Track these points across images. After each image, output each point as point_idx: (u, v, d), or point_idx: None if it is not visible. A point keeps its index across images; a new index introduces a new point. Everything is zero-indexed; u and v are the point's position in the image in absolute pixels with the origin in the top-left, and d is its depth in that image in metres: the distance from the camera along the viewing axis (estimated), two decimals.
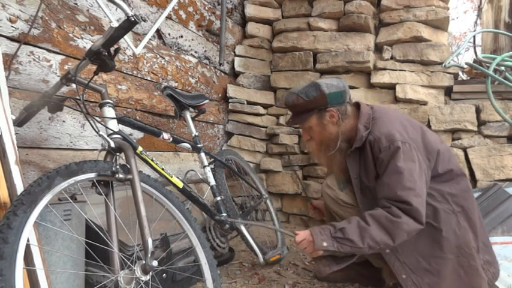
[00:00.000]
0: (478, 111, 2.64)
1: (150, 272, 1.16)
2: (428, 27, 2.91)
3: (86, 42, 1.87)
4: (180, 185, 1.62)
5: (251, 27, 3.26)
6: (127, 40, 2.09)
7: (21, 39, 1.57)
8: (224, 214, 1.91)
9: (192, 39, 2.73)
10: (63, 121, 1.80)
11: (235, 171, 2.33)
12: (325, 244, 1.44)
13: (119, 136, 1.36)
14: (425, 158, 1.51)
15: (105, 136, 1.28)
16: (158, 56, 2.38)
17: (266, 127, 3.15)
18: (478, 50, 3.65)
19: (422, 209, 1.42)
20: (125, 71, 2.15)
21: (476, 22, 4.06)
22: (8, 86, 1.37)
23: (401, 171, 1.44)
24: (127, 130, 1.89)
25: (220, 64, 3.02)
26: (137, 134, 2.23)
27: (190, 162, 2.74)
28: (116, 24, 1.20)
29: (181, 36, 2.61)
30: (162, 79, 2.43)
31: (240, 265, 2.18)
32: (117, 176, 1.21)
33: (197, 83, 2.77)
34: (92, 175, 1.20)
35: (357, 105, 1.69)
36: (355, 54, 2.93)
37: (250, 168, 2.60)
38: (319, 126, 1.63)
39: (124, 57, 2.13)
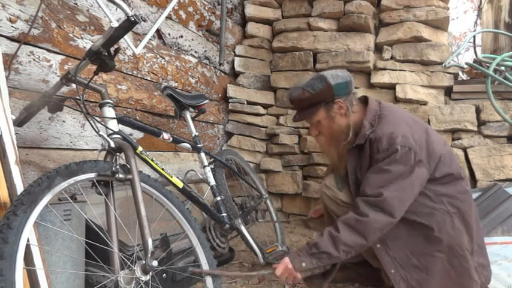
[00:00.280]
0: (478, 111, 2.64)
1: (150, 272, 1.16)
2: (428, 27, 2.91)
3: (86, 42, 1.87)
4: (180, 185, 1.62)
5: (251, 27, 3.26)
6: (127, 40, 2.09)
7: (21, 39, 1.57)
8: (224, 214, 1.91)
9: (192, 39, 2.72)
10: (63, 121, 1.80)
11: (235, 171, 2.33)
12: (304, 264, 1.43)
13: (118, 136, 1.36)
14: (426, 162, 1.48)
15: (105, 136, 1.28)
16: (158, 56, 2.38)
17: (266, 127, 3.15)
18: (478, 50, 3.65)
19: (397, 202, 1.40)
20: (124, 71, 2.15)
21: (476, 22, 4.07)
22: (8, 86, 1.37)
23: (387, 171, 1.43)
24: (127, 130, 1.89)
25: (220, 64, 3.02)
26: (137, 134, 2.23)
27: (190, 162, 2.74)
28: (116, 24, 1.20)
29: (181, 36, 2.61)
30: (162, 79, 2.43)
31: (240, 265, 2.17)
32: (117, 176, 1.21)
33: (197, 83, 2.77)
34: (92, 175, 1.20)
35: (365, 100, 1.65)
36: (355, 54, 2.93)
37: (250, 168, 2.60)
38: (327, 119, 1.59)
39: (124, 57, 2.13)
